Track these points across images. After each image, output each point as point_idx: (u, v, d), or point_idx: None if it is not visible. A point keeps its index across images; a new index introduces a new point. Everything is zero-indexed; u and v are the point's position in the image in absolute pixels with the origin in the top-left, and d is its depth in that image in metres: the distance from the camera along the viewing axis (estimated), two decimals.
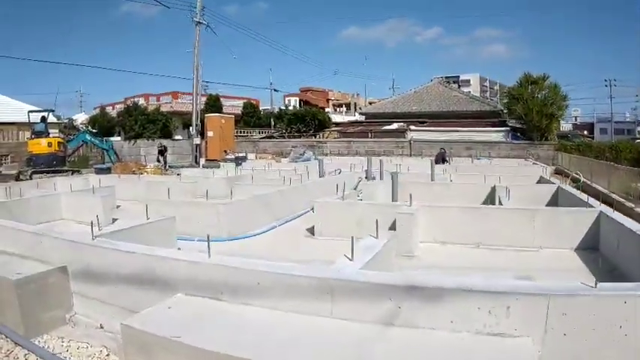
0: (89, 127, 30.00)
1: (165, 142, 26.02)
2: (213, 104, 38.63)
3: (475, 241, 6.85)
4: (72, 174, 16.70)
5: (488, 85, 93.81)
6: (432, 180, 12.60)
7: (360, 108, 51.52)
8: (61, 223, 8.86)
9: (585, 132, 55.84)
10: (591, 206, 7.06)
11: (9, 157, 23.36)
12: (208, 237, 3.84)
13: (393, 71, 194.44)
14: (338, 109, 68.29)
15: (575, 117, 70.49)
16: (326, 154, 29.06)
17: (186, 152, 28.50)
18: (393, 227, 6.66)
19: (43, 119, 19.14)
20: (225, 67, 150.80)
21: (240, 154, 24.95)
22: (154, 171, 18.45)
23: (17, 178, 15.73)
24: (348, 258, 3.81)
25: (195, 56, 27.63)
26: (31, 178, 15.18)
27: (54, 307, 4.42)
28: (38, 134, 18.32)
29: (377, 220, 4.75)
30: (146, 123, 29.24)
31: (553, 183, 10.92)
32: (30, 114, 19.62)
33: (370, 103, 56.82)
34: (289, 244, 7.43)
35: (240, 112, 43.89)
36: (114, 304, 4.22)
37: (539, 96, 29.49)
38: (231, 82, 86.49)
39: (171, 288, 3.81)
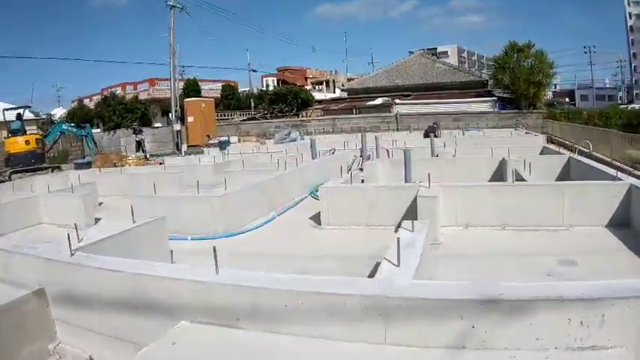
0: (66, 119, 28.87)
1: (143, 129, 25.01)
2: (193, 88, 37.27)
3: (500, 222, 6.22)
4: (52, 171, 16.11)
5: (466, 55, 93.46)
6: (432, 155, 11.99)
7: (343, 85, 50.25)
8: (39, 229, 8.04)
9: (567, 99, 55.86)
10: (620, 179, 6.49)
11: None
12: (215, 249, 3.08)
13: (370, 46, 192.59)
14: (317, 87, 66.94)
15: (555, 84, 70.43)
16: (310, 133, 28.16)
17: (167, 140, 27.53)
18: (409, 212, 6.00)
19: (19, 117, 18.50)
20: (201, 51, 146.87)
21: (223, 138, 23.93)
22: (135, 162, 17.66)
23: None
24: (392, 263, 3.04)
25: (171, 40, 26.64)
26: (10, 179, 14.49)
27: (34, 338, 3.67)
28: (15, 132, 17.72)
29: (417, 210, 4.01)
30: (124, 112, 28.30)
31: (562, 154, 10.37)
32: (5, 112, 18.89)
33: (350, 80, 55.71)
34: (295, 237, 6.66)
35: (219, 95, 42.61)
36: (103, 331, 3.48)
37: (525, 64, 28.95)
38: (208, 65, 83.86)
39: (172, 313, 3.07)
